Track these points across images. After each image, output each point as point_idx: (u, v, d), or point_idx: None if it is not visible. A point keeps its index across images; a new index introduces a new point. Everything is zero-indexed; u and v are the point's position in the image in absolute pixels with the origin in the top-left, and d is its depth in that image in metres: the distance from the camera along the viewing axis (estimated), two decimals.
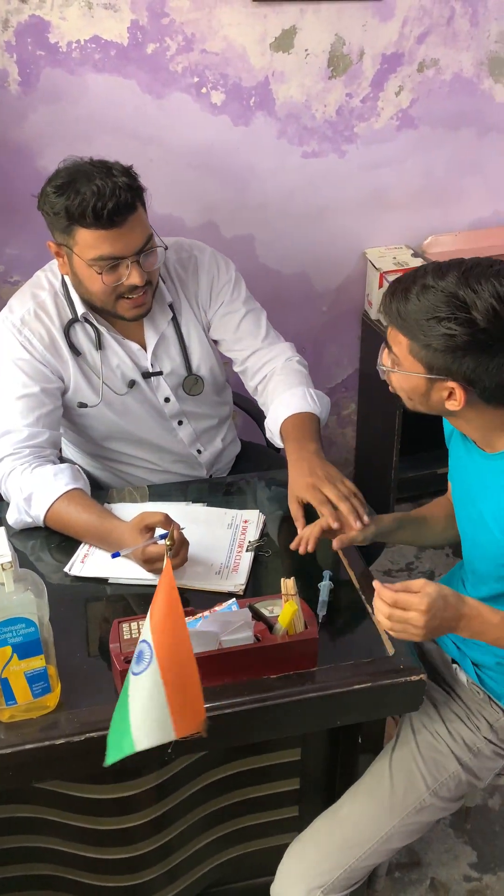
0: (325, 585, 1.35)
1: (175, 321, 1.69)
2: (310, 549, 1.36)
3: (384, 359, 1.24)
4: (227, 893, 1.58)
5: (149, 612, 1.02)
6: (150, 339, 1.67)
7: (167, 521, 1.36)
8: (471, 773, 1.38)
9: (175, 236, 1.74)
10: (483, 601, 1.37)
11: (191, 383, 1.73)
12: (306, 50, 2.18)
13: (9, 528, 1.53)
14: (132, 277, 1.49)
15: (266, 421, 1.71)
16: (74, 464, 1.66)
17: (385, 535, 1.46)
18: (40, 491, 1.48)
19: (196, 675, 0.98)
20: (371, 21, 2.20)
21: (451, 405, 1.18)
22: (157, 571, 1.35)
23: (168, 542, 1.12)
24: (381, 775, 1.37)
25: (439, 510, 1.54)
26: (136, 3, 2.01)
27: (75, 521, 1.46)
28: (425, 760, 1.36)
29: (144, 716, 0.95)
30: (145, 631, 1.01)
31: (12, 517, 1.51)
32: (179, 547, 1.37)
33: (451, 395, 1.17)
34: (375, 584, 1.18)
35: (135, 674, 1.00)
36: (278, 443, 1.67)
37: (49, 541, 1.50)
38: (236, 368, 1.80)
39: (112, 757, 0.95)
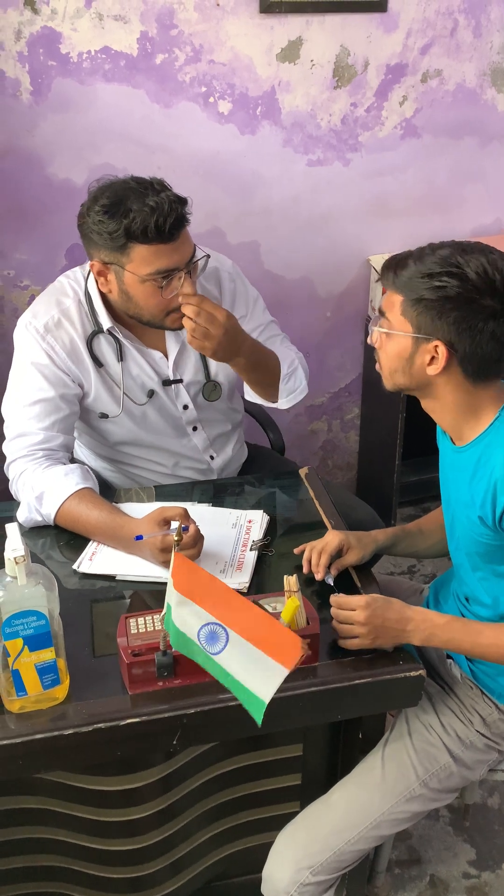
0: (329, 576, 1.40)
1: None
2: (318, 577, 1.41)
3: (374, 330, 1.29)
4: (229, 887, 1.61)
5: (178, 599, 1.07)
6: (172, 348, 1.69)
7: (186, 516, 1.40)
8: (463, 766, 1.40)
9: None
10: (471, 601, 1.40)
11: (210, 389, 1.75)
12: (312, 60, 2.22)
13: (20, 527, 1.56)
14: (185, 288, 1.50)
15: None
16: (85, 464, 1.69)
17: (381, 550, 1.50)
18: (51, 490, 1.51)
19: (263, 614, 1.03)
20: (375, 32, 2.24)
21: (432, 370, 1.22)
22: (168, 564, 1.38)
23: (176, 537, 1.15)
24: (373, 765, 1.40)
25: (435, 522, 1.56)
26: (146, 15, 2.05)
27: (86, 519, 1.49)
28: (417, 752, 1.39)
29: (253, 675, 1.02)
30: (202, 614, 1.06)
31: (23, 516, 1.54)
32: (196, 539, 1.40)
33: (433, 359, 1.21)
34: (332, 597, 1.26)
35: (215, 654, 1.05)
36: (254, 396, 1.76)
37: (58, 539, 1.53)
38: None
39: (258, 717, 1.02)
